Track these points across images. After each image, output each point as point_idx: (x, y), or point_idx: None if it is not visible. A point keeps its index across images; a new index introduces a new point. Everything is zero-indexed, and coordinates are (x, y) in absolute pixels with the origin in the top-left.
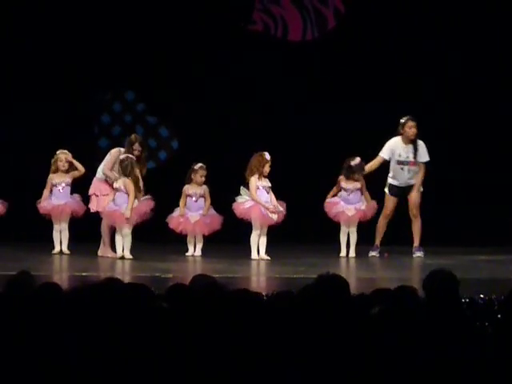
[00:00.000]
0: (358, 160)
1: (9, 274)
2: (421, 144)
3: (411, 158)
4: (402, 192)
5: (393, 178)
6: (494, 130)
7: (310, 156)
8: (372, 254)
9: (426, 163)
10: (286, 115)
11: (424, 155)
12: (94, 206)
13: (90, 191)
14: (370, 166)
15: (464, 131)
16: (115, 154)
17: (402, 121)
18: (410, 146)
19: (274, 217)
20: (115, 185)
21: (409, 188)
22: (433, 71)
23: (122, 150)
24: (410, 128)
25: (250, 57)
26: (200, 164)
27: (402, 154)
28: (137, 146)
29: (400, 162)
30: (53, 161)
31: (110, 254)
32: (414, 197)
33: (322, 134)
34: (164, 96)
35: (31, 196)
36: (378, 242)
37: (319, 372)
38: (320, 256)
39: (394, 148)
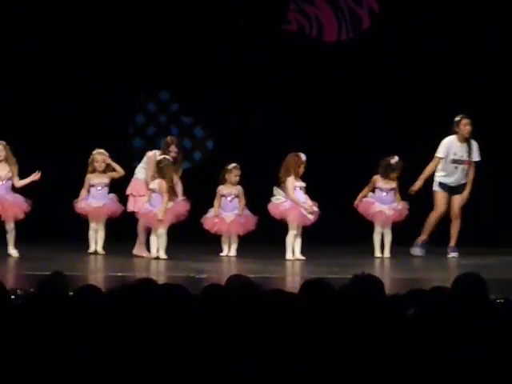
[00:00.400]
0: (397, 158)
1: (43, 274)
2: (474, 143)
3: (466, 157)
4: (452, 191)
5: (445, 176)
6: None
7: (342, 156)
8: (415, 250)
9: (477, 162)
10: (319, 115)
11: (477, 154)
12: (130, 206)
13: (128, 191)
14: (429, 170)
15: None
16: (152, 157)
17: (457, 119)
18: (465, 145)
19: (311, 217)
20: (151, 186)
21: (459, 187)
22: (478, 70)
23: (158, 152)
24: (465, 126)
25: (284, 57)
26: (234, 164)
27: (457, 152)
28: (173, 148)
29: (455, 161)
30: (89, 161)
31: (144, 253)
32: (462, 197)
33: (356, 134)
34: (199, 96)
35: (67, 196)
36: (424, 237)
37: (354, 372)
38: (354, 256)
39: (450, 147)
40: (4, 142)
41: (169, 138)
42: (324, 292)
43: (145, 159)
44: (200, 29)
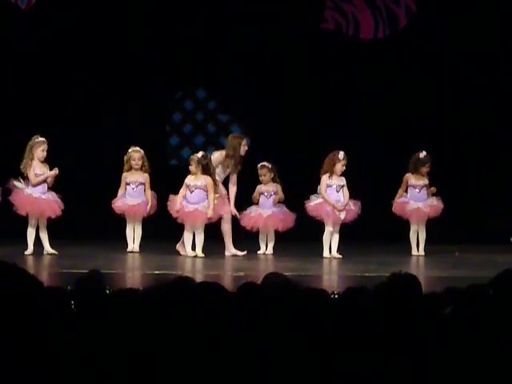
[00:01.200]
0: (425, 152)
1: (81, 272)
2: None
3: None
4: None
5: None
6: None
7: (383, 155)
8: None
9: None
10: (356, 114)
11: None
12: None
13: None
14: None
15: None
16: (219, 157)
17: None
18: None
19: (342, 215)
20: (194, 182)
21: None
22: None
23: (224, 152)
24: None
25: (322, 56)
26: (261, 163)
27: None
28: (245, 147)
29: None
30: (126, 159)
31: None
32: None
33: (395, 133)
34: (236, 94)
35: (105, 194)
36: None
37: (392, 371)
38: (391, 255)
39: None
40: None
41: (235, 137)
42: (361, 294)
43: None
44: (238, 28)
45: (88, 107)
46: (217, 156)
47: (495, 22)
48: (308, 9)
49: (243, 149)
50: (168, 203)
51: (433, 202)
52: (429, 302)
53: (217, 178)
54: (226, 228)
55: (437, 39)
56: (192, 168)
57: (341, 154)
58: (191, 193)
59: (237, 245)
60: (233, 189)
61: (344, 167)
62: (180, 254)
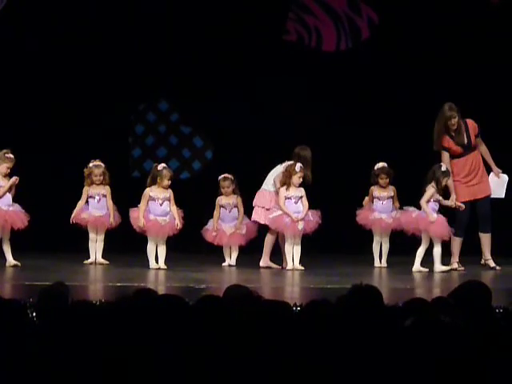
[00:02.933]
0: (381, 164)
1: (44, 284)
2: None
3: None
4: None
5: None
6: None
7: (346, 166)
8: None
9: None
10: (319, 126)
11: None
12: (257, 217)
13: (255, 202)
14: None
15: None
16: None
17: None
18: None
19: (301, 226)
20: (163, 194)
21: None
22: (479, 79)
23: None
24: None
25: (284, 67)
26: (223, 175)
27: None
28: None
29: None
30: (87, 173)
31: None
32: None
33: (357, 145)
34: (198, 106)
35: (67, 206)
36: None
37: (352, 382)
38: (353, 266)
39: None
40: None
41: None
42: (323, 306)
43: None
44: (199, 40)
45: (50, 119)
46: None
47: (455, 33)
48: (271, 20)
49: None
50: (131, 218)
51: (396, 215)
52: (390, 314)
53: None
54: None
55: (399, 50)
56: (162, 181)
57: (297, 166)
58: (161, 205)
59: (202, 257)
60: None
61: (301, 179)
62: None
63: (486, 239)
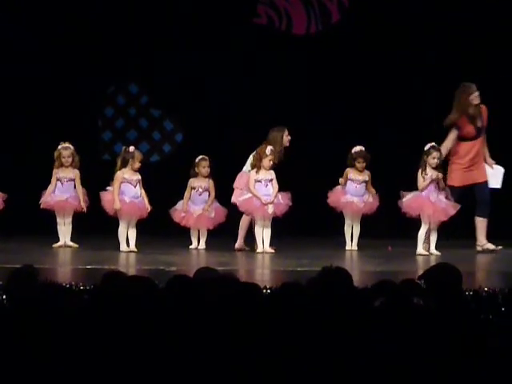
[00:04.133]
0: (359, 147)
1: (12, 267)
2: None
3: None
4: None
5: None
6: None
7: (317, 148)
8: None
9: None
10: (289, 108)
11: None
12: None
13: (235, 184)
14: None
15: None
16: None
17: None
18: None
19: (270, 209)
20: (136, 177)
21: None
22: (437, 69)
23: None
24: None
25: (253, 50)
26: (201, 156)
27: None
28: (287, 133)
29: None
30: (56, 155)
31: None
32: None
33: (326, 127)
34: (168, 89)
35: (37, 189)
36: None
37: (323, 364)
38: (324, 249)
39: None
40: None
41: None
42: (295, 289)
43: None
44: (169, 22)
45: (20, 101)
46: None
47: (429, 15)
48: (241, 3)
49: (286, 139)
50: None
51: (368, 199)
52: (360, 296)
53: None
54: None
55: (369, 33)
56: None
57: (268, 149)
58: (134, 187)
59: (171, 240)
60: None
61: (271, 162)
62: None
63: (481, 224)
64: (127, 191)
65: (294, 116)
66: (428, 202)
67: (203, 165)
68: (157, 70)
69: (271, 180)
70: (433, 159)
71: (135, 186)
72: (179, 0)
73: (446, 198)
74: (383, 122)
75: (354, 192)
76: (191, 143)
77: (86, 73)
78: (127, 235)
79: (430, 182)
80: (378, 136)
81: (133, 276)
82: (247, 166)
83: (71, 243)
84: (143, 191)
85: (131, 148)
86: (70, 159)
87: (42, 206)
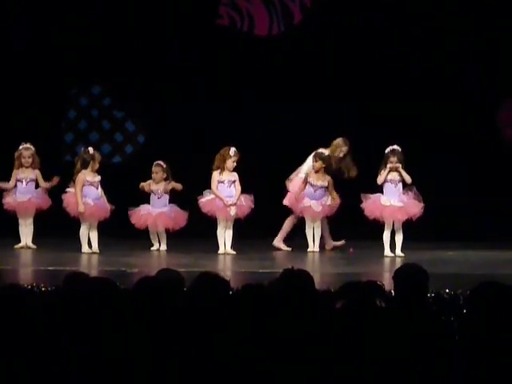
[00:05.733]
0: (321, 150)
1: None
2: None
3: None
4: None
5: None
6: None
7: (277, 149)
8: None
9: None
10: (252, 110)
11: None
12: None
13: (289, 188)
14: None
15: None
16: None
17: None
18: None
19: (233, 211)
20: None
21: None
22: (401, 68)
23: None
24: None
25: (216, 51)
26: (156, 162)
27: None
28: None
29: None
30: (16, 156)
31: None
32: None
33: (287, 128)
34: (130, 91)
35: None
36: None
37: (284, 366)
38: (287, 251)
39: None
40: None
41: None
42: (257, 291)
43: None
44: (131, 23)
45: None
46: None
47: (390, 15)
48: (203, 4)
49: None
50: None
51: (327, 202)
52: (322, 298)
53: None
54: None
55: (332, 35)
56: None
57: (232, 151)
58: (96, 189)
59: (133, 241)
60: None
61: (235, 163)
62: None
63: None
64: (90, 193)
65: (256, 117)
66: (382, 203)
67: (154, 170)
68: (119, 71)
69: (234, 181)
70: (390, 163)
71: (97, 188)
72: (142, 1)
73: (412, 198)
74: (346, 121)
75: (312, 196)
76: (153, 145)
77: (49, 75)
78: (89, 237)
79: (388, 182)
80: (338, 136)
81: (95, 277)
82: (304, 170)
83: (32, 245)
84: (102, 192)
85: (90, 149)
86: (31, 160)
87: (5, 207)
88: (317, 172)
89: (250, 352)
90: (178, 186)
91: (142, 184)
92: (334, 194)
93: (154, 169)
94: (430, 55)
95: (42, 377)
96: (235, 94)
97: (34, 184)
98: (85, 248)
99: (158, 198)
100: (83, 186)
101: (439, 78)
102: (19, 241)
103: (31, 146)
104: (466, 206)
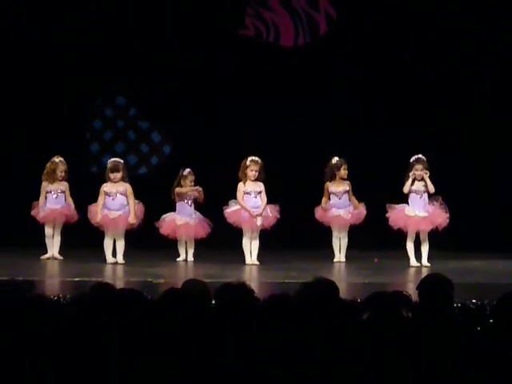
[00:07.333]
0: (336, 157)
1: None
2: None
3: None
4: None
5: None
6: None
7: (303, 161)
8: None
9: None
10: (278, 120)
11: None
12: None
13: None
14: None
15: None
16: None
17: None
18: None
19: (259, 222)
20: (115, 188)
21: None
22: (425, 78)
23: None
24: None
25: (242, 61)
26: (188, 169)
27: None
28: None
29: None
30: (50, 168)
31: None
32: None
33: (316, 139)
34: (156, 101)
35: (23, 201)
36: None
37: (311, 377)
38: (312, 261)
39: None
40: None
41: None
42: (282, 301)
43: None
44: (157, 34)
45: (9, 114)
46: None
47: (416, 26)
48: (228, 15)
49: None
50: (88, 213)
51: (353, 210)
52: (348, 308)
53: None
54: None
55: (357, 45)
56: (113, 175)
57: (248, 160)
58: (113, 200)
59: (158, 252)
60: None
61: (255, 172)
62: None
63: None
64: (107, 204)
65: (283, 128)
66: (407, 213)
67: (190, 179)
68: (144, 82)
69: (260, 192)
70: (415, 170)
71: (114, 199)
72: (167, 12)
73: (437, 208)
74: (371, 131)
75: (338, 204)
76: (179, 155)
77: (75, 85)
78: (114, 247)
79: (413, 193)
80: (365, 147)
81: (121, 288)
82: None
83: (58, 255)
84: (132, 202)
85: (114, 160)
86: (64, 174)
87: (38, 218)
88: (333, 180)
89: (276, 362)
90: (202, 195)
91: (179, 189)
92: (354, 199)
93: (189, 177)
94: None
95: None
96: (261, 104)
97: (63, 196)
98: (109, 258)
99: (189, 205)
100: (104, 197)
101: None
102: (45, 251)
103: (64, 160)
104: (492, 214)
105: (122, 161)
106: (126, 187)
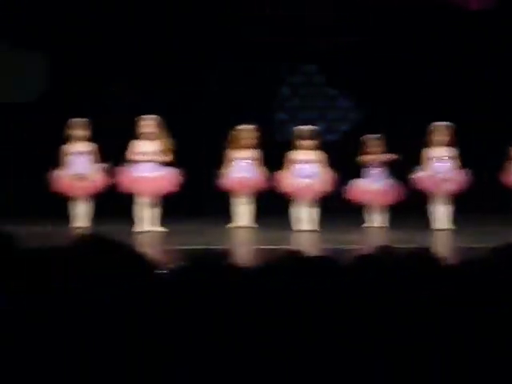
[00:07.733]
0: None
1: (192, 249)
2: None
3: None
4: None
5: None
6: None
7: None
8: None
9: None
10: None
11: None
12: None
13: None
14: None
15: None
16: None
17: None
18: None
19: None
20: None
21: None
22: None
23: None
24: None
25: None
26: (373, 136)
27: None
28: None
29: None
30: (234, 136)
31: None
32: None
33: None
34: (344, 68)
35: (210, 169)
36: None
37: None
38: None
39: None
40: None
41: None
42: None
43: None
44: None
45: (188, 82)
46: None
47: None
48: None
49: None
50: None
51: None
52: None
53: None
54: None
55: None
56: (301, 143)
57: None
58: (301, 168)
59: (345, 218)
60: None
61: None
62: None
63: None
64: (297, 171)
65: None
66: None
67: (375, 144)
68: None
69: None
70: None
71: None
72: None
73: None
74: None
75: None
76: (368, 122)
77: (261, 54)
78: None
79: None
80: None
81: (313, 256)
82: None
83: (253, 224)
84: (323, 170)
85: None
86: (250, 141)
87: (225, 186)
88: None
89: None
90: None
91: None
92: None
93: (371, 143)
94: None
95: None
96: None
97: (251, 163)
98: (296, 226)
99: (375, 172)
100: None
101: None
102: (233, 220)
103: (251, 128)
104: None
105: (312, 127)
106: (318, 155)
